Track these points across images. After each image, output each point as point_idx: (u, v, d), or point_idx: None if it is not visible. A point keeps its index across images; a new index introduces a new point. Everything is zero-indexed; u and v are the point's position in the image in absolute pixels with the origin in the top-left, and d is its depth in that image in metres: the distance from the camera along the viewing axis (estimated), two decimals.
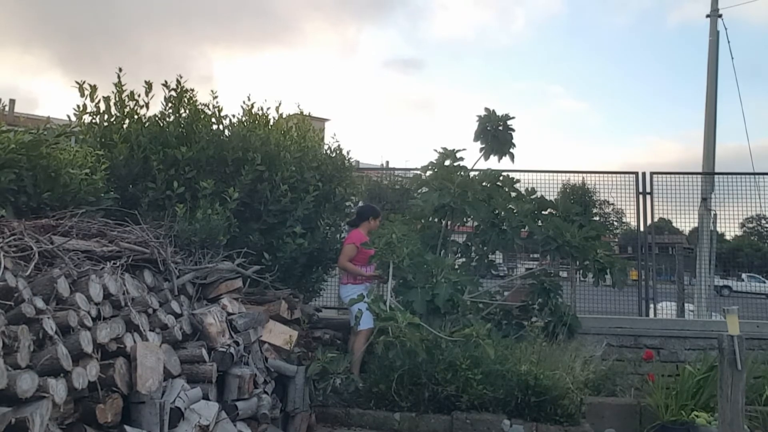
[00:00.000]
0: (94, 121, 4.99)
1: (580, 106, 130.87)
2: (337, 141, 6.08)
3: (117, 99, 5.04)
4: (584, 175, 8.05)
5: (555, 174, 7.81)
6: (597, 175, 7.92)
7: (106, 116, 5.02)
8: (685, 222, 8.26)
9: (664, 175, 7.69)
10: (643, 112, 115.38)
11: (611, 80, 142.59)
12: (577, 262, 6.10)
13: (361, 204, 6.54)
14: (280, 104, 5.67)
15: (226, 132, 5.27)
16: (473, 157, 6.34)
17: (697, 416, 4.69)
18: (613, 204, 8.70)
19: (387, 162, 22.80)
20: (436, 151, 6.14)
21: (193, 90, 5.17)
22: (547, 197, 6.49)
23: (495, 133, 6.16)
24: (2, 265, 2.62)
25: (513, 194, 6.26)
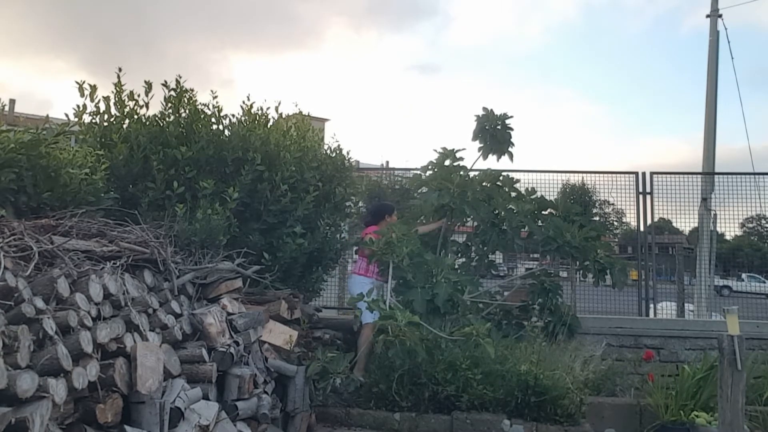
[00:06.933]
0: (93, 121, 4.99)
1: (594, 110, 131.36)
2: (337, 141, 6.09)
3: (116, 99, 5.04)
4: (584, 175, 8.05)
5: (555, 174, 7.81)
6: (597, 175, 7.92)
7: (105, 116, 5.02)
8: (685, 222, 8.27)
9: (664, 175, 7.69)
10: (653, 114, 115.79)
11: (625, 84, 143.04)
12: (577, 263, 6.11)
13: (378, 202, 6.57)
14: (279, 104, 5.69)
15: (226, 132, 5.27)
16: (473, 157, 6.36)
17: (697, 416, 4.69)
18: (613, 204, 8.71)
19: (387, 162, 22.82)
20: (435, 151, 6.15)
21: (192, 90, 5.18)
22: (547, 197, 6.49)
23: (493, 133, 6.16)
24: (2, 265, 2.62)
25: (513, 194, 6.26)
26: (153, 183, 4.77)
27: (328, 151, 5.96)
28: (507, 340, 5.28)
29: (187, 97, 5.14)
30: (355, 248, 6.39)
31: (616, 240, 11.08)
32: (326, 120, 30.27)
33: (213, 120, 5.23)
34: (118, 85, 5.02)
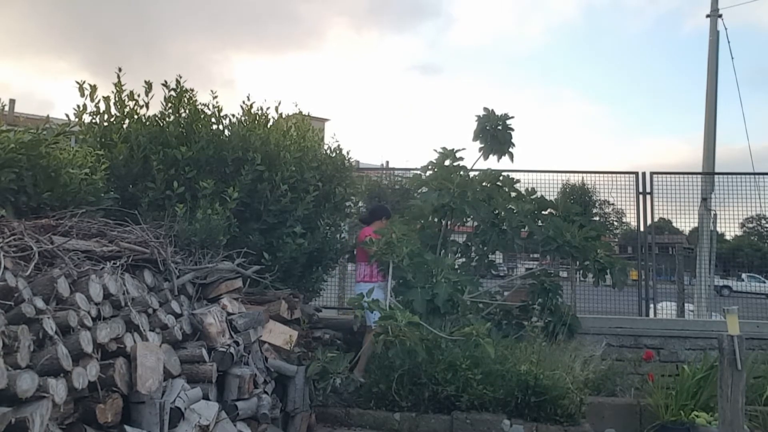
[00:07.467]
0: (93, 121, 4.99)
1: (594, 110, 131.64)
2: (337, 141, 6.09)
3: (117, 99, 5.04)
4: (584, 175, 8.06)
5: (555, 174, 7.82)
6: (597, 175, 7.93)
7: (105, 116, 5.02)
8: (685, 222, 8.27)
9: (664, 175, 7.70)
10: (653, 114, 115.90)
11: (625, 84, 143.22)
12: (577, 262, 6.11)
13: (376, 203, 6.58)
14: (279, 104, 5.68)
15: (226, 132, 5.27)
16: (473, 157, 6.36)
17: (697, 416, 4.70)
18: (613, 204, 8.72)
19: (387, 162, 22.84)
20: (435, 151, 6.15)
21: (192, 90, 5.18)
22: (547, 197, 6.49)
23: (494, 133, 6.16)
24: (2, 265, 2.62)
25: (513, 194, 6.26)
26: (153, 183, 4.77)
27: (328, 151, 5.96)
28: (507, 340, 5.28)
29: (187, 97, 5.14)
30: (347, 255, 6.37)
31: (616, 240, 11.08)
32: (326, 120, 30.28)
33: (213, 120, 5.23)
34: (119, 85, 5.02)
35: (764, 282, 9.00)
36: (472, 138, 6.27)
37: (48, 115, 4.20)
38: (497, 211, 6.13)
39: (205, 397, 3.41)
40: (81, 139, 4.87)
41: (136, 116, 5.07)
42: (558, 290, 6.03)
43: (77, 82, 4.81)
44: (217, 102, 5.27)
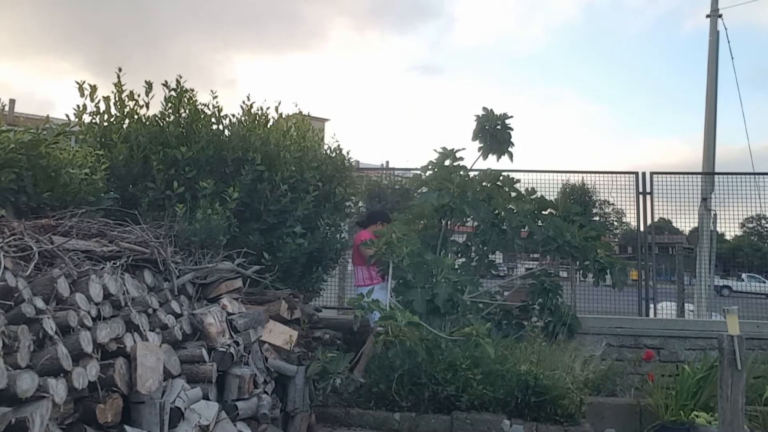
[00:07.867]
0: (93, 121, 4.99)
1: (594, 110, 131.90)
2: (337, 141, 6.09)
3: (117, 99, 5.04)
4: (584, 175, 8.06)
5: (555, 174, 7.82)
6: (597, 175, 7.93)
7: (105, 116, 5.02)
8: (685, 222, 8.28)
9: (664, 175, 7.70)
10: (653, 114, 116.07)
11: (625, 84, 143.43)
12: (577, 262, 6.10)
13: (376, 206, 6.57)
14: (279, 104, 5.69)
15: (226, 132, 5.27)
16: (473, 157, 6.36)
17: (697, 416, 4.70)
18: (613, 204, 8.72)
19: (387, 162, 22.86)
20: (435, 151, 6.14)
21: (192, 90, 5.18)
22: (547, 197, 6.49)
23: (493, 133, 6.15)
24: (2, 265, 2.62)
25: (513, 194, 6.26)
26: (153, 183, 4.77)
27: (328, 151, 5.96)
28: (507, 340, 5.28)
29: (187, 97, 5.14)
30: (350, 259, 6.37)
31: (616, 240, 11.09)
32: (326, 120, 30.30)
33: (213, 120, 5.23)
34: (119, 85, 5.02)
35: (764, 282, 9.01)
36: (471, 138, 6.26)
37: (48, 115, 4.19)
38: (497, 211, 6.12)
39: (205, 397, 3.41)
40: (81, 139, 4.87)
41: (136, 116, 5.07)
42: (558, 290, 6.03)
43: (77, 82, 4.81)
44: (217, 102, 5.28)
